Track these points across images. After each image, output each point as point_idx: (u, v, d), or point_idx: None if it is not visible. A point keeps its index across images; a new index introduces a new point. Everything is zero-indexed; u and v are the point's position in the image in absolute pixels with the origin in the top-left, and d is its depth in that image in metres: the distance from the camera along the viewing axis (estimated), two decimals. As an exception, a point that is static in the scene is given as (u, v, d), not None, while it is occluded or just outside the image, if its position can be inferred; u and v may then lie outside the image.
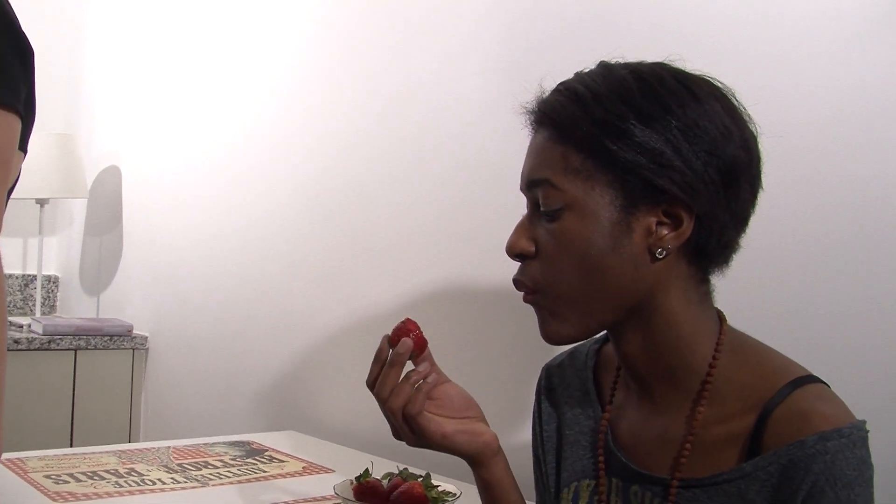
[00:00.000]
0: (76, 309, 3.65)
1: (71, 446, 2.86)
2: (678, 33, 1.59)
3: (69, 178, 3.19)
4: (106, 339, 3.04)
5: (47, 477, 1.69)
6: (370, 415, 2.01)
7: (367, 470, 1.43)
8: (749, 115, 1.02)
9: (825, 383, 0.98)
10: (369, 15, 2.26)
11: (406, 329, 1.11)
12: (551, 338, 1.03)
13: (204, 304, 2.84)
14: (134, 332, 3.12)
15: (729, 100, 1.01)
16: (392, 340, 1.11)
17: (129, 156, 3.32)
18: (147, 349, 3.11)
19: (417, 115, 2.11)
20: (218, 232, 2.80)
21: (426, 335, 1.13)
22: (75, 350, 2.99)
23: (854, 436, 0.90)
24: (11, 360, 2.73)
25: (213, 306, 2.80)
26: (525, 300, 1.04)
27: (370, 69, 2.25)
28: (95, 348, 3.02)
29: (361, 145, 2.27)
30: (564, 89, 1.04)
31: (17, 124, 1.38)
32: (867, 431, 0.92)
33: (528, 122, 1.07)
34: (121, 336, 3.07)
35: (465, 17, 2.00)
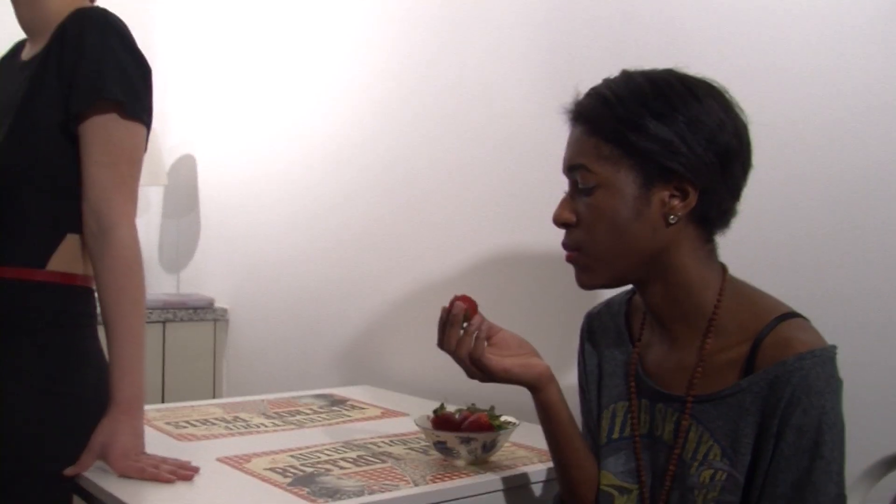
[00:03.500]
0: (156, 286, 3.96)
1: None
2: (689, 34, 1.84)
3: (151, 167, 3.48)
4: (190, 311, 3.35)
5: (168, 424, 1.99)
6: (435, 367, 2.30)
7: (442, 405, 1.72)
8: (741, 108, 1.29)
9: (805, 318, 1.25)
10: (431, 17, 2.53)
11: (459, 298, 1.42)
12: (585, 285, 1.33)
13: (279, 277, 3.13)
14: (215, 305, 3.43)
15: (724, 97, 1.28)
16: (448, 309, 1.42)
17: (204, 144, 3.63)
18: (227, 320, 3.42)
19: (470, 100, 2.37)
20: (289, 210, 3.08)
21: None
22: (164, 322, 3.31)
23: (824, 356, 1.17)
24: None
25: (287, 279, 3.09)
26: (567, 259, 1.33)
27: (429, 62, 2.51)
28: (181, 320, 3.33)
29: (420, 129, 2.53)
30: (595, 93, 1.32)
31: (144, 132, 1.69)
32: (835, 353, 1.19)
33: (567, 118, 1.35)
34: (203, 309, 3.38)
35: (512, 19, 2.26)
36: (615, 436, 1.38)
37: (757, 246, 1.70)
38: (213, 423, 2.01)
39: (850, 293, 1.61)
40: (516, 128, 2.23)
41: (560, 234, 1.35)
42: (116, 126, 1.62)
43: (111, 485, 1.50)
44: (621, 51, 1.95)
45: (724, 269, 1.32)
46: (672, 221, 1.26)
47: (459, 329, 1.41)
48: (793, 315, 1.24)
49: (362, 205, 2.75)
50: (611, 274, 1.31)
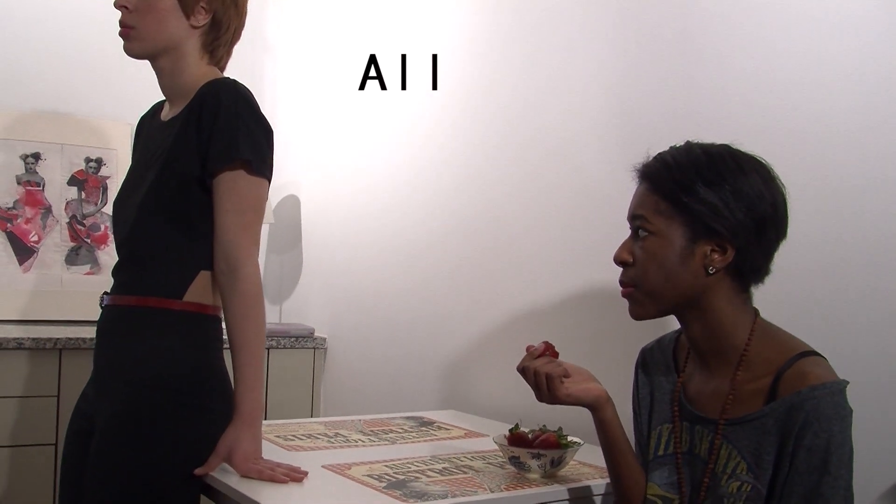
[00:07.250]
0: (260, 315, 4.25)
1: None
2: (743, 102, 2.07)
3: (260, 207, 3.80)
4: (292, 340, 3.63)
5: (278, 437, 2.27)
6: (514, 394, 2.54)
7: (517, 424, 1.96)
8: (782, 183, 1.52)
9: (822, 356, 1.47)
10: (515, 80, 2.79)
11: (545, 345, 1.70)
12: (636, 317, 1.58)
13: (374, 310, 3.40)
14: (315, 334, 3.72)
15: (768, 172, 1.52)
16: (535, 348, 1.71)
17: (307, 186, 3.93)
18: (326, 348, 3.71)
19: (548, 155, 2.61)
20: (385, 248, 3.35)
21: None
22: (268, 349, 3.57)
23: (834, 388, 1.39)
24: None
25: (381, 311, 3.36)
26: (623, 294, 1.58)
27: (513, 120, 2.76)
28: (284, 347, 3.61)
29: (505, 179, 2.76)
30: (660, 158, 1.57)
31: (266, 185, 1.96)
32: (845, 386, 1.40)
33: (636, 175, 1.61)
34: (304, 337, 3.66)
35: (587, 84, 2.51)
36: (661, 452, 1.62)
37: (787, 295, 1.91)
38: (317, 438, 2.28)
39: (871, 330, 1.80)
40: (588, 181, 2.47)
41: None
42: (244, 181, 1.89)
43: (235, 483, 1.78)
44: (681, 116, 2.18)
45: (756, 312, 1.56)
46: (711, 272, 1.50)
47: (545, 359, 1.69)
48: (812, 353, 1.47)
49: (452, 246, 2.99)
50: (657, 308, 1.56)
